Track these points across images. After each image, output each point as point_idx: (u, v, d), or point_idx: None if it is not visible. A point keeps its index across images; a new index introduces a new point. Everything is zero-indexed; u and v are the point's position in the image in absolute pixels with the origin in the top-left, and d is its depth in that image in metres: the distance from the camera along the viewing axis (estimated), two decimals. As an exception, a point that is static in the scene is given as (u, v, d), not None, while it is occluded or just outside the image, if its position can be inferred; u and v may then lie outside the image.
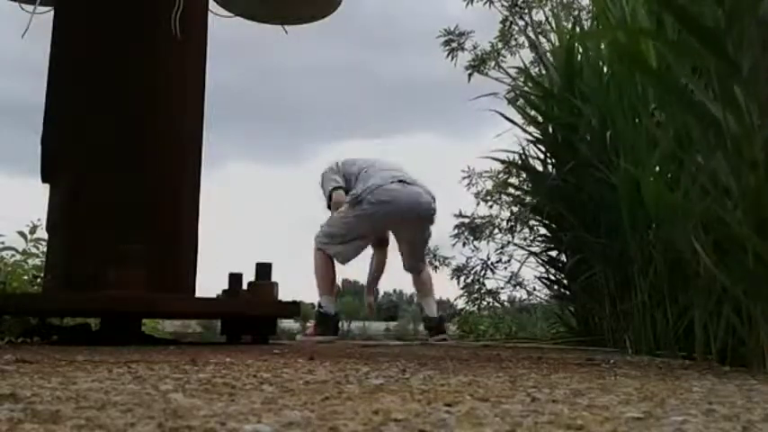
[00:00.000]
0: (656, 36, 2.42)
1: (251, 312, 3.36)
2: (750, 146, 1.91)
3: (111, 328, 2.85)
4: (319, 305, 4.07)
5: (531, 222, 5.29)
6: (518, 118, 4.39)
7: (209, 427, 0.80)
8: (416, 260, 4.41)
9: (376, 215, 4.11)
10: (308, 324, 4.50)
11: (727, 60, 1.90)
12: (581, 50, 3.80)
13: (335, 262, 4.15)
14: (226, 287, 3.46)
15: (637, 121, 2.95)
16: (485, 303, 6.37)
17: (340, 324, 4.48)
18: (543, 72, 4.35)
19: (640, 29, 2.79)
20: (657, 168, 2.81)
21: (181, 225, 3.47)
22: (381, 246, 4.56)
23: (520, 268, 6.29)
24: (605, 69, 3.49)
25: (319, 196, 4.47)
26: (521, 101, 4.46)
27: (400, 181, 4.15)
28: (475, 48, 6.51)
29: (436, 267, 6.48)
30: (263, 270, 3.44)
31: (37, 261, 4.14)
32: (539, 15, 6.14)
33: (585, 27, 4.37)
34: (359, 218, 4.10)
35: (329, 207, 4.31)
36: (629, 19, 2.95)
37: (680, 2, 2.02)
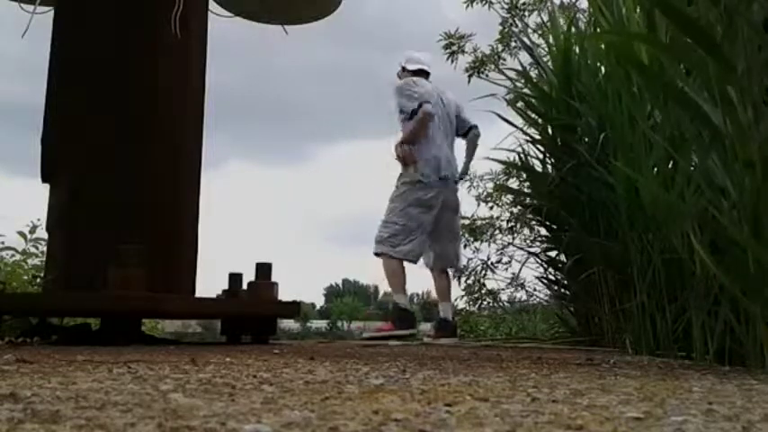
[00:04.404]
0: (648, 39, 2.42)
1: (251, 312, 3.36)
2: (745, 146, 1.91)
3: (112, 328, 2.85)
4: (395, 302, 4.16)
5: (531, 223, 5.29)
6: (518, 120, 4.40)
7: (209, 427, 0.80)
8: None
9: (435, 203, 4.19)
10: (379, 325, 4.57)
11: (723, 61, 1.90)
12: (578, 52, 3.81)
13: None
14: (226, 287, 3.46)
15: (634, 121, 2.96)
16: (485, 304, 6.38)
17: (340, 324, 4.52)
18: (543, 74, 4.36)
19: (633, 32, 2.80)
20: (654, 169, 2.82)
21: (181, 225, 3.47)
22: None
23: (520, 270, 6.29)
24: (602, 70, 3.50)
25: (391, 109, 4.31)
26: (520, 103, 4.47)
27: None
28: (475, 50, 6.51)
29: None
30: (263, 270, 3.44)
31: (37, 261, 4.15)
32: (538, 18, 6.14)
33: (582, 29, 4.37)
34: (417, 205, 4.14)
35: (409, 119, 4.17)
36: (626, 21, 2.95)
37: (675, 2, 2.02)
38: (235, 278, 3.45)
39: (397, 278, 4.15)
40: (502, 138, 4.39)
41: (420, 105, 4.13)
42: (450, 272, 4.61)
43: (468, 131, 4.48)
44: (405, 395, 1.16)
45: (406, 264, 4.20)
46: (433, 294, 4.48)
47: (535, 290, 5.43)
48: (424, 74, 4.42)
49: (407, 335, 3.83)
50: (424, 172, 4.15)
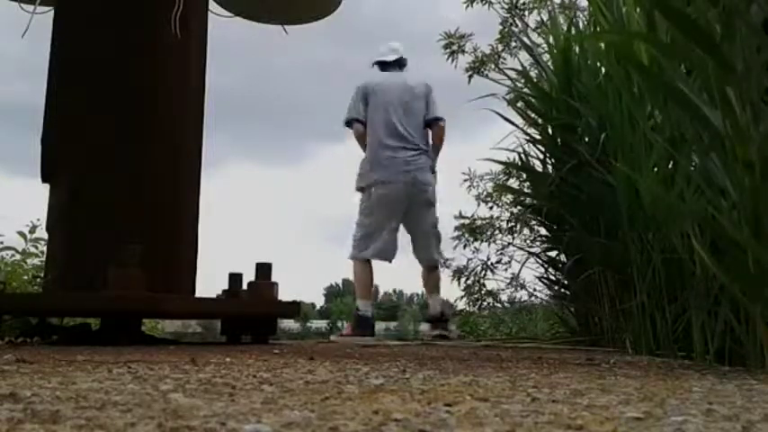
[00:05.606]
0: (648, 39, 2.42)
1: (251, 312, 3.36)
2: (744, 147, 1.91)
3: (112, 328, 2.85)
4: (357, 308, 4.17)
5: (531, 223, 5.29)
6: (518, 119, 4.39)
7: (209, 427, 0.80)
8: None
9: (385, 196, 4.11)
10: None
11: (722, 61, 1.90)
12: (578, 52, 3.81)
13: (372, 264, 4.18)
14: (226, 287, 3.46)
15: (634, 122, 2.96)
16: (485, 304, 6.38)
17: (340, 324, 4.51)
18: (543, 74, 4.36)
19: (633, 32, 2.80)
20: (655, 169, 2.82)
21: (181, 225, 3.47)
22: None
23: (520, 270, 6.29)
24: (602, 70, 3.50)
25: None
26: (520, 102, 4.47)
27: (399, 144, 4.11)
28: (475, 50, 6.52)
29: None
30: (263, 270, 3.44)
31: (37, 261, 4.15)
32: (538, 17, 6.15)
33: (582, 28, 4.37)
34: (375, 202, 4.11)
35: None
36: (625, 21, 2.96)
37: (674, 3, 2.02)
38: (235, 278, 3.45)
39: (360, 283, 4.17)
40: (502, 138, 4.38)
41: (350, 122, 4.18)
42: (439, 265, 4.58)
43: (431, 123, 4.29)
44: (405, 395, 1.16)
45: (377, 263, 4.19)
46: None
47: (535, 290, 5.43)
48: (386, 64, 4.33)
49: (362, 341, 3.82)
50: (379, 173, 4.11)
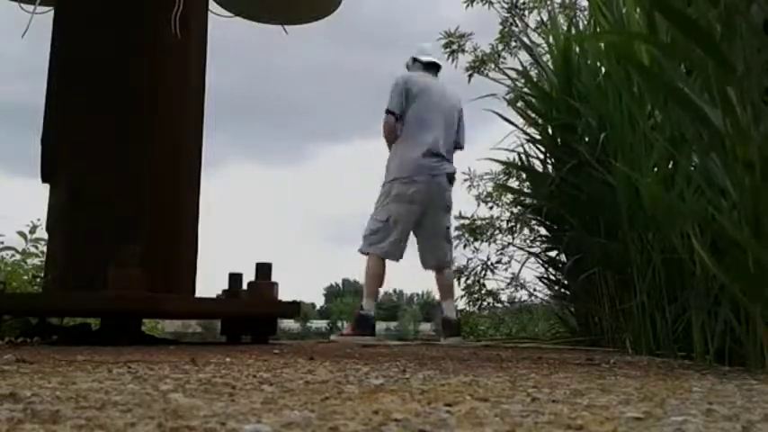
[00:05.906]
0: (648, 39, 2.42)
1: (251, 312, 3.36)
2: (744, 147, 1.91)
3: (112, 328, 2.85)
4: (361, 307, 4.12)
5: (531, 223, 5.30)
6: (518, 119, 4.39)
7: (209, 427, 0.80)
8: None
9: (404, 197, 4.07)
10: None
11: (722, 61, 1.90)
12: (578, 52, 3.82)
13: (386, 263, 4.13)
14: (226, 287, 3.46)
15: (634, 121, 2.96)
16: (485, 304, 6.37)
17: (340, 324, 4.47)
18: (543, 74, 4.36)
19: (633, 32, 2.80)
20: (655, 169, 2.82)
21: (181, 225, 3.47)
22: None
23: (520, 270, 6.28)
24: (602, 70, 3.50)
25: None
26: (520, 102, 4.47)
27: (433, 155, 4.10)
28: (475, 49, 6.53)
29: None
30: (263, 270, 3.44)
31: (37, 261, 4.15)
32: (538, 17, 6.15)
33: (582, 29, 4.38)
34: (396, 201, 4.08)
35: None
36: (625, 21, 2.96)
37: (675, 3, 2.02)
38: (235, 278, 3.45)
39: (371, 281, 4.11)
40: (502, 138, 4.38)
41: (390, 113, 4.14)
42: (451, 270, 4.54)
43: (455, 146, 4.31)
44: (405, 395, 1.16)
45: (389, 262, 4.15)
46: (436, 295, 4.46)
47: (535, 290, 5.42)
48: (432, 66, 4.34)
49: (362, 341, 3.80)
50: (404, 170, 4.08)
